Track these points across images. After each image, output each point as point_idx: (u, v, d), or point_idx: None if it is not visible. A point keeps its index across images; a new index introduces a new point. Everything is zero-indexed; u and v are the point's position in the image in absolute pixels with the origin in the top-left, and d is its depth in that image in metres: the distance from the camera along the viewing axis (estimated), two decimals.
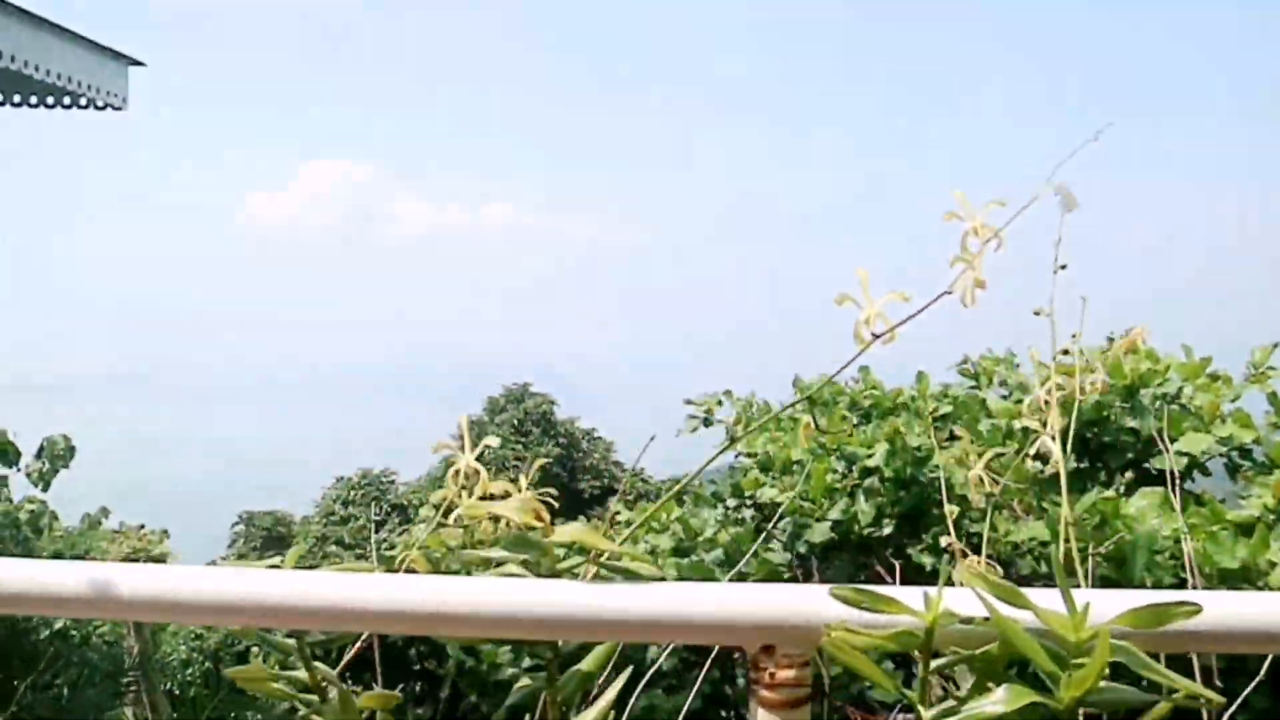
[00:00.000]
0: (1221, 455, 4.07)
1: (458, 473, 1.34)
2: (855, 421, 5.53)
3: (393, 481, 27.04)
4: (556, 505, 1.39)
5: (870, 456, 4.53)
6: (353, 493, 26.46)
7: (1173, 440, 4.00)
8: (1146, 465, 4.31)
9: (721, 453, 5.74)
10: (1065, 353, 4.60)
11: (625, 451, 26.40)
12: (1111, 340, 4.81)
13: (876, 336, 1.23)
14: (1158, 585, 3.17)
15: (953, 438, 4.82)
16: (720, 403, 6.24)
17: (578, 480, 23.06)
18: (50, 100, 9.55)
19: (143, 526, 15.92)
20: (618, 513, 6.45)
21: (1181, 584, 3.20)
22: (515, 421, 23.53)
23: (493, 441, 1.34)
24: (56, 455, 8.98)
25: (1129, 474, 4.21)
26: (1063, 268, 1.39)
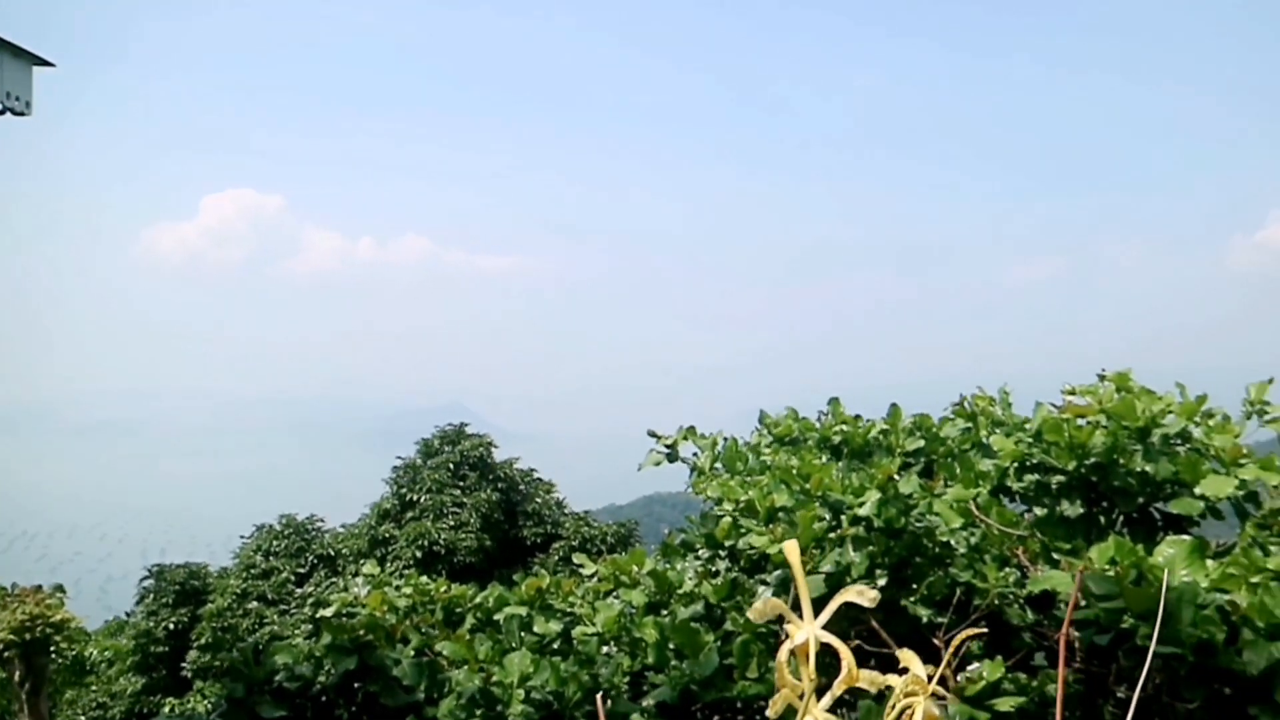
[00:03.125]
0: (1230, 498, 4.04)
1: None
2: (824, 459, 5.45)
3: (319, 529, 26.02)
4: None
5: (861, 505, 4.43)
6: (275, 542, 25.41)
7: (1187, 484, 3.95)
8: (1152, 510, 4.27)
9: (701, 495, 5.63)
10: (1072, 392, 4.59)
11: (561, 492, 25.91)
12: (1103, 378, 4.80)
13: None
14: (1209, 641, 3.10)
15: (944, 482, 4.76)
16: (686, 437, 6.13)
17: (519, 526, 22.55)
18: None
19: (39, 588, 15.13)
20: (582, 564, 6.29)
21: (1233, 638, 3.15)
22: (451, 464, 22.95)
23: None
24: None
25: (1135, 518, 4.17)
26: None
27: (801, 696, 0.94)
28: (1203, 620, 3.13)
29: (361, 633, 5.69)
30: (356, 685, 5.59)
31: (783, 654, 0.91)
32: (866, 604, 0.92)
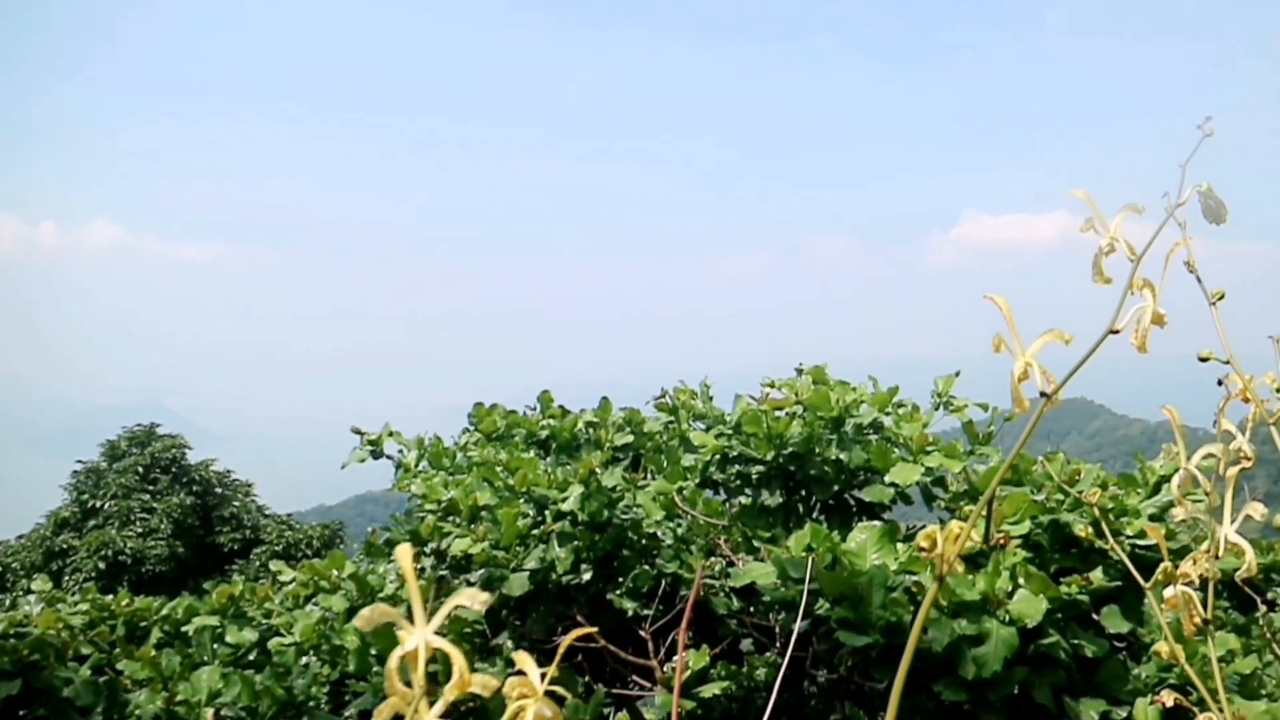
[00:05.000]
0: (919, 484, 4.30)
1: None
2: (530, 453, 5.46)
3: None
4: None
5: (564, 500, 4.46)
6: None
7: (879, 471, 4.18)
8: (847, 497, 4.50)
9: (402, 491, 5.52)
10: (772, 385, 4.76)
11: (265, 494, 24.99)
12: (800, 371, 5.02)
13: (1046, 397, 0.96)
14: (898, 622, 3.27)
15: (649, 474, 4.85)
16: (391, 433, 6.02)
17: (216, 532, 21.60)
18: None
19: None
20: (279, 572, 6.05)
21: None
22: (140, 468, 21.70)
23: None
24: None
25: (831, 505, 4.38)
26: (1221, 297, 1.19)
27: (434, 703, 0.90)
28: (891, 602, 3.32)
29: (26, 653, 5.27)
30: (23, 713, 5.18)
31: (393, 660, 0.86)
32: (478, 607, 0.88)
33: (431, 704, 0.87)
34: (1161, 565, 1.23)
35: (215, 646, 5.36)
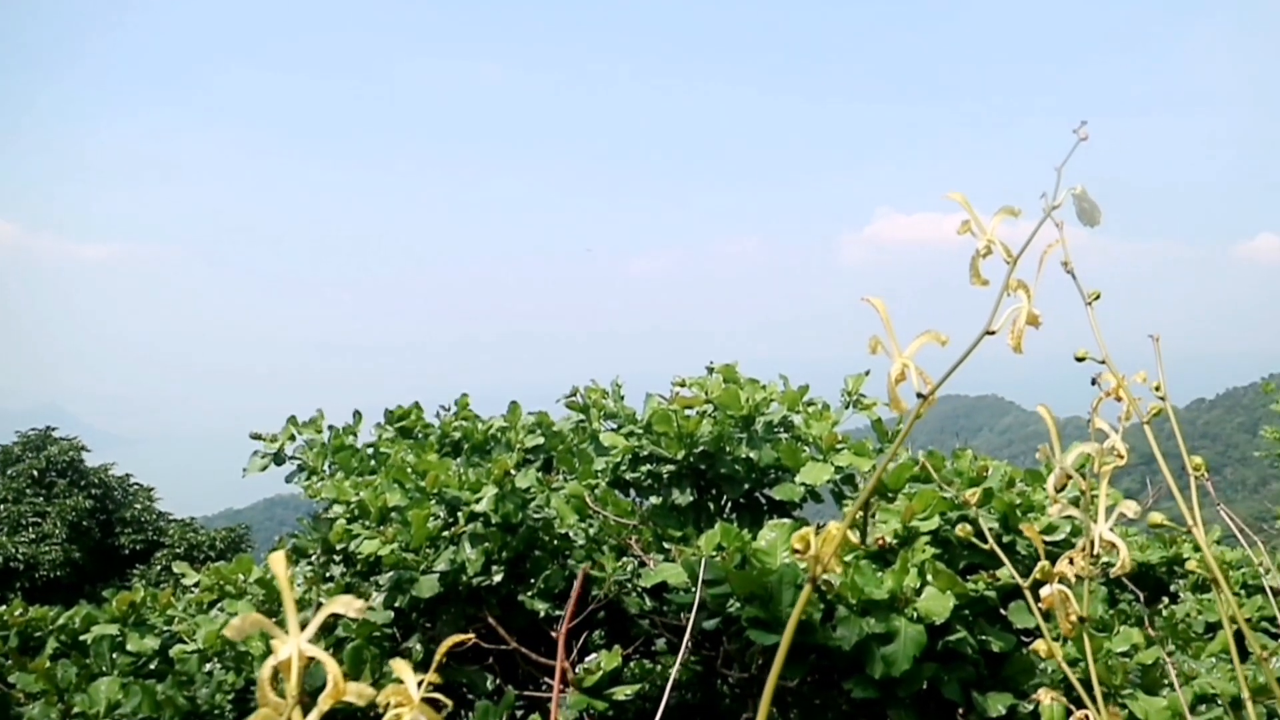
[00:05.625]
0: (829, 483, 4.36)
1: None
2: (442, 454, 5.45)
3: None
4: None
5: (478, 501, 4.45)
6: None
7: (789, 470, 4.23)
8: (758, 495, 4.54)
9: (312, 495, 5.46)
10: (683, 384, 4.78)
11: (169, 499, 24.49)
12: (711, 370, 5.06)
13: (923, 398, 0.97)
14: (807, 620, 3.31)
15: (562, 475, 4.85)
16: (293, 436, 5.95)
17: (116, 535, 21.14)
18: None
19: None
20: (183, 574, 5.94)
21: (828, 616, 3.36)
22: (35, 473, 21.17)
23: None
24: None
25: (742, 504, 4.42)
26: (1097, 297, 1.20)
27: (317, 712, 0.90)
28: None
29: None
30: None
31: (264, 671, 0.86)
32: (353, 615, 0.88)
33: (306, 713, 0.87)
34: (1039, 564, 1.27)
35: (115, 656, 5.25)
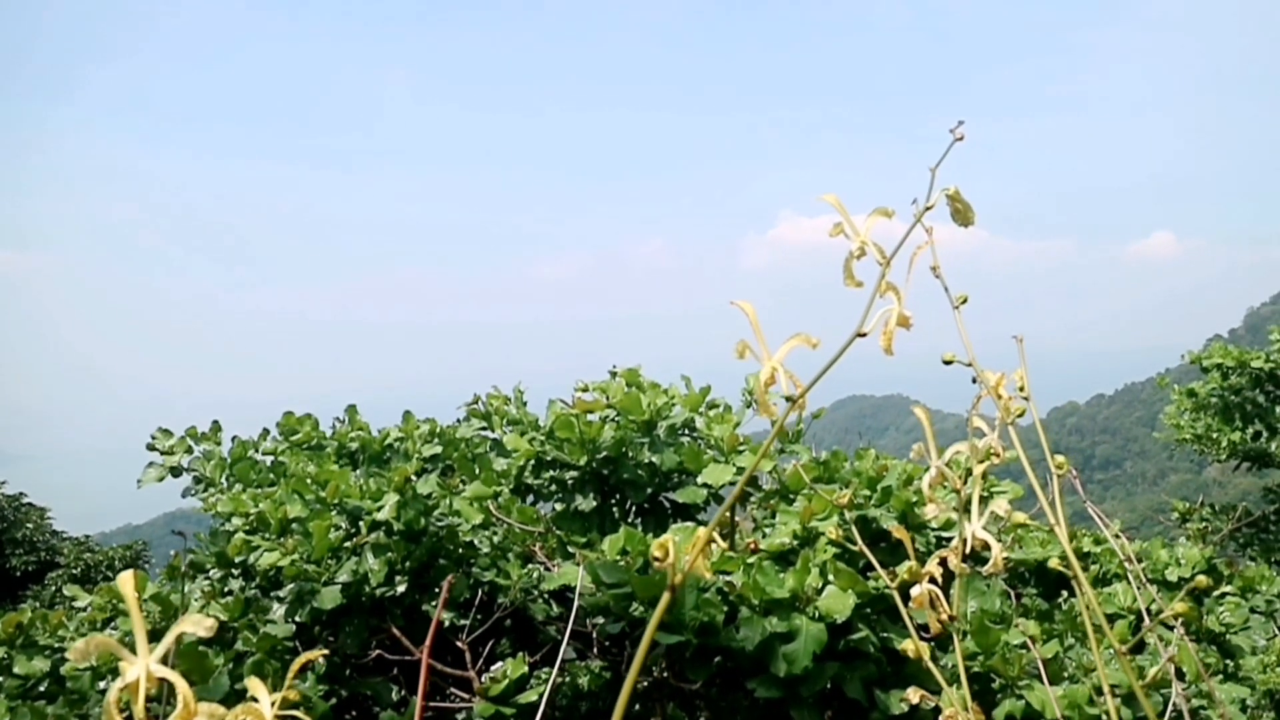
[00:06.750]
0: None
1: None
2: (339, 464, 5.39)
3: None
4: None
5: (379, 510, 4.39)
6: None
7: (692, 472, 4.24)
8: (662, 499, 4.55)
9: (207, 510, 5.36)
10: (585, 389, 4.78)
11: (66, 516, 23.81)
12: (614, 374, 5.06)
13: (791, 401, 0.97)
14: (710, 622, 3.32)
15: (462, 481, 4.82)
16: (189, 448, 5.84)
17: (7, 556, 20.49)
18: None
19: None
20: (74, 597, 5.79)
21: (731, 617, 3.38)
22: None
23: None
24: None
25: (646, 508, 4.43)
26: (964, 301, 1.21)
27: None
28: (704, 603, 3.38)
29: None
30: None
31: (112, 694, 0.84)
32: (204, 633, 0.87)
33: None
34: (906, 564, 1.29)
35: (1, 679, 5.10)
